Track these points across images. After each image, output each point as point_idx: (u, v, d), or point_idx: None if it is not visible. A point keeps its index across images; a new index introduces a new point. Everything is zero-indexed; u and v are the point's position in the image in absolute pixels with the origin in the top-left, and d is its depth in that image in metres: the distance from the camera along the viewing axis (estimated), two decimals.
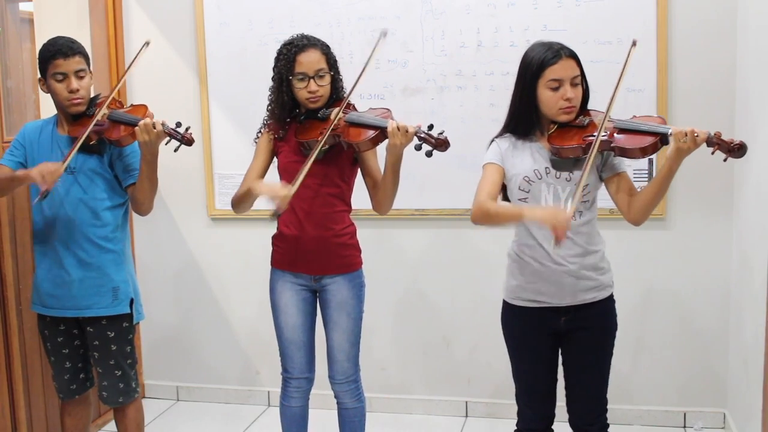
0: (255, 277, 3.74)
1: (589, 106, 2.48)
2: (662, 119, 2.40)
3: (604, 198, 2.52)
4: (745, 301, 3.19)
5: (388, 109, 2.67)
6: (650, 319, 3.53)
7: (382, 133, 2.56)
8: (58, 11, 3.77)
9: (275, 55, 2.71)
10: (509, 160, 2.47)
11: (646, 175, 3.36)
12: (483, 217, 2.42)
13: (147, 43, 2.83)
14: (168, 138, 2.57)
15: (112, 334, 2.76)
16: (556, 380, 2.57)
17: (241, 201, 2.75)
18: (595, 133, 2.32)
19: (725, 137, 2.21)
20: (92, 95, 2.78)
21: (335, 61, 2.72)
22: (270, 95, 2.75)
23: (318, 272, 2.75)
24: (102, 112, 2.66)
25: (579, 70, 2.40)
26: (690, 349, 3.51)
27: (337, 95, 2.74)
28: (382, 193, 2.68)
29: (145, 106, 2.72)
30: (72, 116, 2.73)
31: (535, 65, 2.39)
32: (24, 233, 3.13)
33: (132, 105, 2.81)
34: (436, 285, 3.73)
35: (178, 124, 2.58)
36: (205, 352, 4.04)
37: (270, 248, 2.83)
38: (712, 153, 2.23)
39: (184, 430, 3.77)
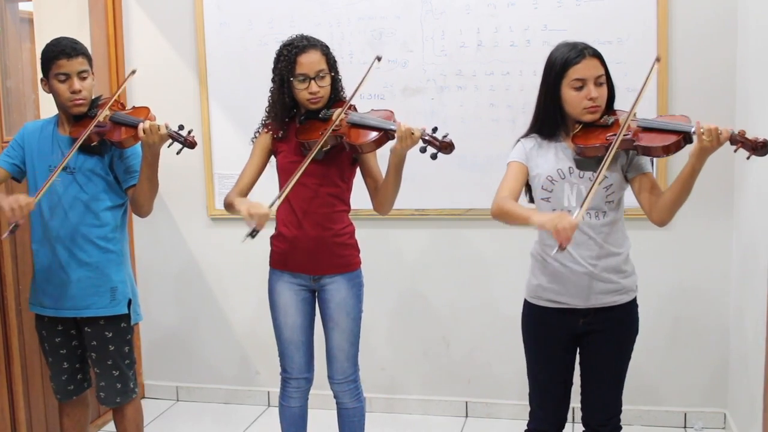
0: (255, 277, 3.74)
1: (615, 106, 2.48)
2: (686, 118, 2.36)
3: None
4: (745, 301, 3.19)
5: (391, 111, 2.67)
6: (650, 319, 3.52)
7: (385, 135, 2.56)
8: (57, 11, 3.76)
9: (275, 55, 2.71)
10: (533, 160, 2.47)
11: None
12: (499, 214, 2.42)
13: (133, 72, 2.89)
14: (170, 141, 2.57)
15: (110, 335, 2.76)
16: (571, 383, 2.55)
17: (228, 209, 2.76)
18: (617, 133, 2.31)
19: (749, 135, 2.18)
20: (94, 96, 2.78)
21: (335, 61, 2.72)
22: (270, 96, 2.75)
23: (317, 272, 2.74)
24: (104, 114, 2.66)
25: (603, 70, 2.39)
26: (690, 349, 3.51)
27: (337, 96, 2.73)
28: (384, 193, 2.68)
29: (147, 108, 2.72)
30: (73, 117, 2.73)
31: (559, 65, 2.38)
32: (24, 233, 3.12)
33: (134, 107, 2.81)
34: (435, 285, 3.73)
35: (181, 127, 2.58)
36: (204, 352, 4.04)
37: (269, 248, 2.83)
38: (735, 151, 2.21)
39: (184, 430, 3.77)
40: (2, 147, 3.01)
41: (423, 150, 2.48)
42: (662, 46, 3.31)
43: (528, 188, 2.53)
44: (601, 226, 2.41)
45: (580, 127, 2.41)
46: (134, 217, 3.27)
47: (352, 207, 2.82)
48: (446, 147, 2.45)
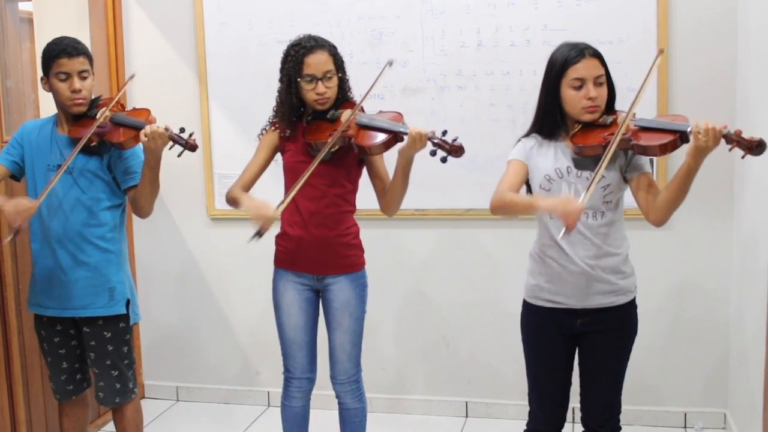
0: (255, 277, 3.74)
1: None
2: (684, 118, 2.36)
3: None
4: (745, 301, 3.19)
5: (399, 113, 2.67)
6: (650, 319, 3.52)
7: (395, 137, 2.56)
8: (57, 11, 3.76)
9: (282, 56, 2.70)
10: (533, 159, 2.48)
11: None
12: (500, 206, 2.43)
13: (132, 76, 2.96)
14: (171, 143, 2.57)
15: (109, 335, 2.76)
16: (569, 383, 2.56)
17: (232, 203, 2.75)
18: (616, 132, 2.31)
19: (745, 135, 2.18)
20: (93, 96, 2.78)
21: (342, 62, 2.71)
22: (277, 96, 2.74)
23: (321, 272, 2.74)
24: (105, 114, 2.66)
25: (603, 70, 2.40)
26: (690, 349, 3.51)
27: (344, 96, 2.73)
28: (391, 195, 2.68)
29: (147, 110, 2.72)
30: (73, 116, 2.73)
31: (559, 65, 2.40)
32: (23, 233, 3.11)
33: (134, 108, 2.80)
34: (436, 285, 3.73)
35: (182, 130, 2.58)
36: (205, 352, 4.04)
37: (270, 248, 2.83)
38: (730, 150, 2.21)
39: (184, 430, 3.76)
40: (1, 146, 3.00)
41: (433, 153, 2.48)
42: (662, 46, 3.31)
43: (528, 187, 2.53)
44: (599, 227, 2.42)
45: (580, 126, 2.42)
46: (134, 217, 3.26)
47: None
48: (456, 150, 2.45)
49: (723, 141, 2.19)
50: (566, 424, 2.61)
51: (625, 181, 2.45)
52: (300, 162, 2.67)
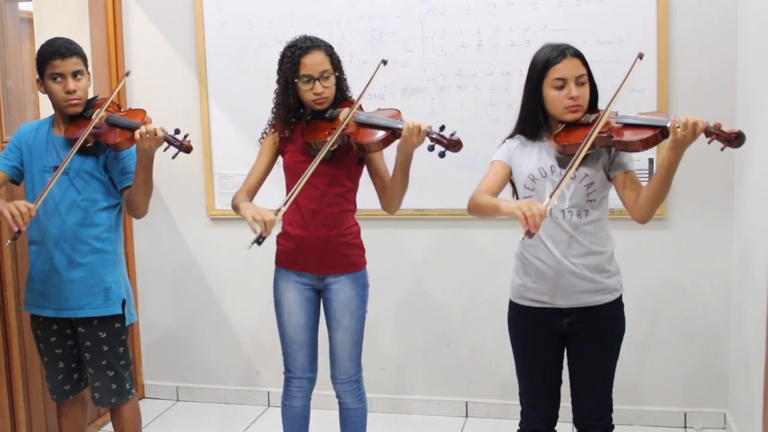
0: (255, 277, 3.74)
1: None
2: (665, 113, 2.40)
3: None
4: (745, 300, 3.19)
5: (398, 110, 2.67)
6: (650, 319, 3.53)
7: (393, 133, 2.56)
8: (57, 11, 3.76)
9: (279, 57, 2.70)
10: (516, 159, 2.49)
11: (646, 175, 3.36)
12: (472, 207, 2.49)
13: (127, 73, 2.96)
14: (166, 145, 2.57)
15: (104, 335, 2.76)
16: (560, 381, 2.57)
17: (236, 210, 2.73)
18: (593, 127, 2.33)
19: (725, 127, 2.18)
20: (90, 96, 2.77)
21: (339, 61, 2.71)
22: (275, 98, 2.74)
23: (322, 271, 2.74)
24: (100, 115, 2.66)
25: (585, 69, 2.41)
26: (691, 349, 3.51)
27: (342, 95, 2.73)
28: (392, 193, 2.68)
29: (143, 111, 2.72)
30: (69, 117, 2.73)
31: (540, 65, 2.42)
32: (23, 233, 3.12)
33: (130, 109, 2.80)
34: (436, 285, 3.73)
35: (177, 131, 2.58)
36: (204, 352, 4.04)
37: (270, 248, 2.83)
38: (709, 143, 2.21)
39: (184, 430, 3.76)
40: (1, 147, 3.00)
41: (431, 148, 2.48)
42: (662, 46, 3.32)
43: (514, 188, 2.55)
44: (584, 225, 2.43)
45: (563, 126, 2.44)
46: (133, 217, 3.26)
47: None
48: (454, 145, 2.45)
49: (702, 134, 2.20)
50: (563, 424, 2.61)
51: (609, 179, 2.46)
52: (300, 162, 2.67)
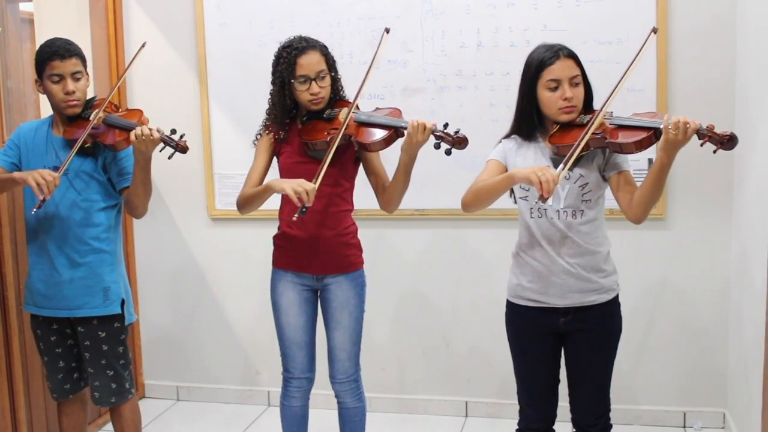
0: (255, 277, 3.75)
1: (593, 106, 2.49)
2: (658, 114, 2.39)
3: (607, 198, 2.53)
4: (744, 300, 3.19)
5: (398, 109, 2.67)
6: (650, 318, 3.53)
7: (396, 132, 2.56)
8: (58, 11, 3.77)
9: (274, 58, 2.70)
10: (512, 159, 2.49)
11: (646, 175, 3.36)
12: (471, 197, 2.47)
13: (144, 44, 2.85)
14: (163, 145, 2.57)
15: (104, 335, 2.76)
16: (557, 380, 2.57)
17: (253, 200, 2.71)
18: (586, 128, 2.33)
19: (717, 129, 2.18)
20: (88, 97, 2.77)
21: (334, 61, 2.72)
22: (270, 98, 2.74)
23: (320, 272, 2.75)
24: (98, 116, 2.66)
25: (579, 70, 2.41)
26: (690, 348, 3.52)
27: (337, 95, 2.74)
28: (392, 192, 2.69)
29: (140, 111, 2.72)
30: (68, 118, 2.73)
31: (534, 66, 2.42)
32: (24, 233, 3.13)
33: (127, 109, 2.80)
34: (436, 285, 3.74)
35: (173, 131, 2.58)
36: (205, 352, 4.04)
37: (270, 248, 2.84)
38: (702, 145, 2.21)
39: (184, 430, 3.77)
40: (1, 147, 3.01)
41: (437, 146, 2.48)
42: (662, 46, 3.32)
43: (511, 190, 2.55)
44: (579, 225, 2.43)
45: (558, 127, 2.44)
46: (132, 217, 3.27)
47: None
48: (460, 142, 2.45)
49: (696, 137, 2.20)
50: (562, 423, 2.62)
51: (605, 179, 2.46)
52: (297, 163, 2.67)
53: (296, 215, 2.50)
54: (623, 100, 3.28)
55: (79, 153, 2.66)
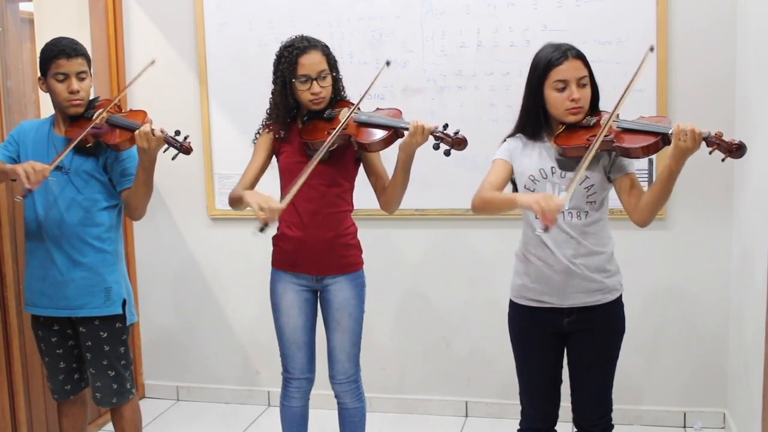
0: (255, 277, 3.74)
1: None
2: (666, 119, 2.39)
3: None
4: (745, 301, 3.19)
5: (398, 109, 2.67)
6: (650, 319, 3.53)
7: (395, 133, 2.56)
8: (58, 11, 3.76)
9: (275, 57, 2.70)
10: (518, 159, 2.49)
11: (646, 176, 3.36)
12: (480, 204, 2.46)
13: (153, 62, 2.84)
14: (166, 146, 2.57)
15: (105, 335, 2.76)
16: (560, 381, 2.57)
17: (235, 203, 2.72)
18: (597, 134, 2.32)
19: (726, 137, 2.19)
20: (91, 97, 2.77)
21: (335, 61, 2.72)
22: (271, 98, 2.74)
23: (320, 272, 2.75)
24: (101, 116, 2.66)
25: (587, 71, 2.40)
26: (690, 349, 3.52)
27: (338, 95, 2.73)
28: (392, 192, 2.69)
29: (144, 112, 2.72)
30: (70, 117, 2.73)
31: (542, 66, 2.41)
32: (22, 232, 3.13)
33: (131, 110, 2.80)
34: (436, 285, 3.74)
35: (177, 132, 2.58)
36: (205, 352, 4.04)
37: (270, 248, 2.83)
38: (710, 152, 2.21)
39: (184, 430, 3.77)
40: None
41: (436, 147, 2.49)
42: (662, 46, 3.32)
43: (514, 186, 2.55)
44: (583, 226, 2.43)
45: (564, 127, 2.43)
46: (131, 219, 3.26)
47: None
48: (459, 143, 2.45)
49: (704, 143, 2.20)
50: (563, 424, 2.62)
51: (610, 181, 2.45)
52: (297, 163, 2.67)
53: (256, 230, 2.44)
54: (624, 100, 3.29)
55: (80, 152, 2.66)
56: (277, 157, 2.78)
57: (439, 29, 3.55)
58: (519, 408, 2.63)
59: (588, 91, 2.41)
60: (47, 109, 3.17)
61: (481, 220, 3.55)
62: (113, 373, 2.80)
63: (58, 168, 2.64)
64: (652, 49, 2.39)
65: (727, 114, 3.28)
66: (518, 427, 2.64)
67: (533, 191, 2.44)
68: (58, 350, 2.83)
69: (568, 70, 2.37)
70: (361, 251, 2.81)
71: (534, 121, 2.46)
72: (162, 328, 4.07)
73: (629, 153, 2.34)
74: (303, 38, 2.68)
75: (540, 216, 2.21)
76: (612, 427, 2.56)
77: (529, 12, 3.44)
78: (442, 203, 3.63)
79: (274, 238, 2.81)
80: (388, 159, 2.74)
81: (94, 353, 2.77)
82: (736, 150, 2.17)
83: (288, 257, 2.77)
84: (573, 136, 2.39)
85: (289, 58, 2.63)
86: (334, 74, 2.70)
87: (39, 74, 2.72)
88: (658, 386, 3.57)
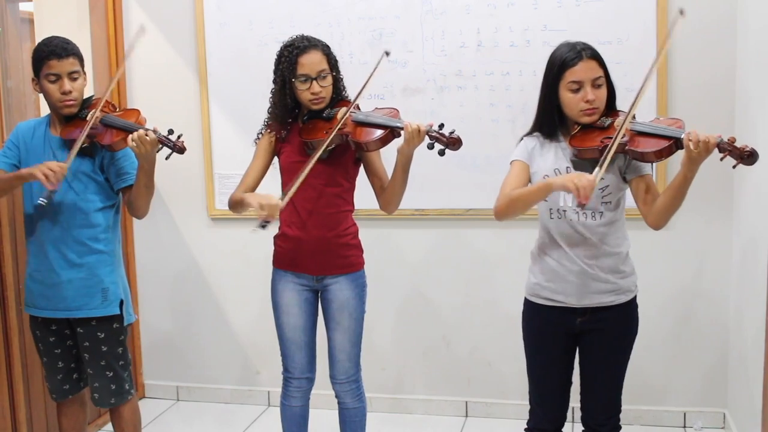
0: (255, 277, 3.74)
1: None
2: (679, 122, 2.35)
3: None
4: (745, 301, 3.19)
5: (396, 109, 2.67)
6: (650, 318, 3.52)
7: (392, 132, 2.56)
8: (58, 11, 3.76)
9: (276, 57, 2.70)
10: (535, 159, 2.48)
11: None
12: (508, 204, 2.41)
13: (143, 29, 2.83)
14: (160, 145, 2.56)
15: (103, 335, 2.76)
16: (570, 382, 2.57)
17: (236, 206, 2.73)
18: (613, 136, 2.29)
19: (738, 144, 2.17)
20: (86, 96, 2.76)
21: (336, 61, 2.72)
22: (271, 97, 2.74)
23: (320, 272, 2.75)
24: (95, 116, 2.65)
25: (602, 71, 2.38)
26: (690, 348, 3.52)
27: (338, 95, 2.73)
28: (391, 192, 2.69)
29: (137, 111, 2.72)
30: (64, 117, 2.72)
31: (556, 66, 2.38)
32: (21, 232, 3.13)
33: (124, 109, 2.79)
34: (435, 285, 3.74)
35: (170, 132, 2.57)
36: (204, 352, 4.04)
37: (270, 248, 2.83)
38: (722, 159, 2.20)
39: (184, 430, 3.77)
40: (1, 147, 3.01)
41: (431, 147, 2.49)
42: (662, 46, 3.31)
43: None
44: (598, 227, 2.42)
45: (579, 128, 2.41)
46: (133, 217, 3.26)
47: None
48: (454, 143, 2.45)
49: (716, 150, 2.19)
50: (567, 424, 2.62)
51: (625, 181, 2.44)
52: (297, 162, 2.67)
53: (255, 227, 2.46)
54: (625, 99, 3.28)
55: (77, 153, 2.66)
56: (278, 156, 2.79)
57: (439, 29, 3.55)
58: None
59: (603, 91, 2.39)
60: (47, 109, 3.17)
61: (482, 220, 3.55)
62: (111, 374, 2.80)
63: None
64: (681, 12, 2.29)
65: (727, 114, 3.28)
66: (525, 427, 2.64)
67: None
68: (56, 350, 2.83)
69: (582, 70, 2.35)
70: (362, 251, 2.80)
71: (549, 121, 2.45)
72: (162, 328, 4.07)
73: (643, 157, 2.32)
74: (303, 38, 2.68)
75: (575, 193, 2.19)
76: (620, 428, 2.56)
77: (529, 12, 3.44)
78: (442, 203, 3.63)
79: (275, 237, 2.82)
80: (388, 159, 2.75)
81: (91, 354, 2.77)
82: (748, 157, 2.15)
83: (288, 256, 2.77)
84: (588, 137, 2.37)
85: (289, 58, 2.63)
86: (335, 74, 2.70)
87: (32, 75, 2.71)
88: (658, 386, 3.57)
